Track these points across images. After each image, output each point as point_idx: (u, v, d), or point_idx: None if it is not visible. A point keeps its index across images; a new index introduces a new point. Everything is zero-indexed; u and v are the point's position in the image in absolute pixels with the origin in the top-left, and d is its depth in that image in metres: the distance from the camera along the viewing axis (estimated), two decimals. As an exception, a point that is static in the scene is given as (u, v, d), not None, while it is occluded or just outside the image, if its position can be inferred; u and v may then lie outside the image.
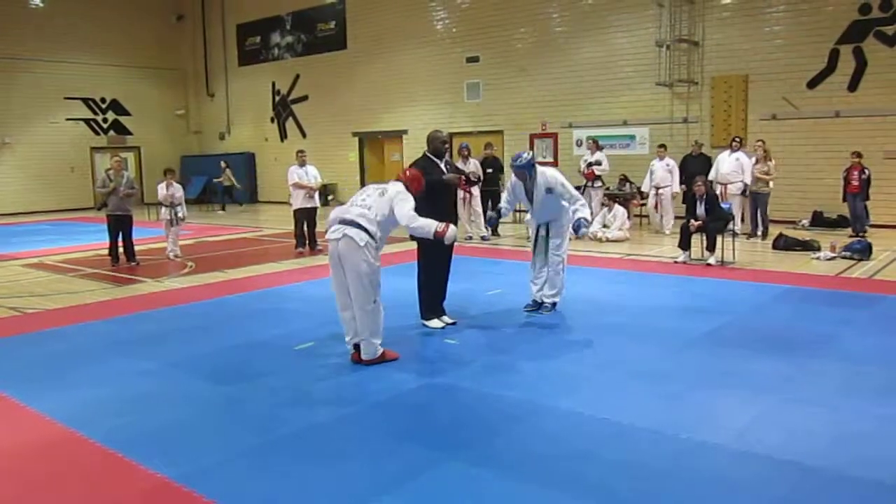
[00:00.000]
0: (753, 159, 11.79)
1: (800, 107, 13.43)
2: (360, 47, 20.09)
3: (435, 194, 5.89)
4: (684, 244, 9.39)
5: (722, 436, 3.83)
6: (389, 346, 5.34)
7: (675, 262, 9.41)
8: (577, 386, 4.71)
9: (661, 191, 12.64)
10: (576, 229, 6.48)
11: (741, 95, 13.98)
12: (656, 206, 12.82)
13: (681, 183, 12.72)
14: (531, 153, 6.73)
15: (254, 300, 7.74)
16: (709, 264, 9.14)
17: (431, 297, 6.29)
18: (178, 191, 10.98)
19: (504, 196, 6.92)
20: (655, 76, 14.73)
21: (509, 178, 6.83)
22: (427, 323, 6.25)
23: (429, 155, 6.21)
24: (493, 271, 9.05)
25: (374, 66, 19.78)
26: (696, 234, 9.33)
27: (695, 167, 12.26)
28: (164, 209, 10.91)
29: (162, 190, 10.90)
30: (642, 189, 13.24)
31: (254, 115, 23.39)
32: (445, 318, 6.31)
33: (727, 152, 12.08)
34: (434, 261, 6.18)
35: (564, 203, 6.51)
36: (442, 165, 6.19)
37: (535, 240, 6.75)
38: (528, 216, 6.88)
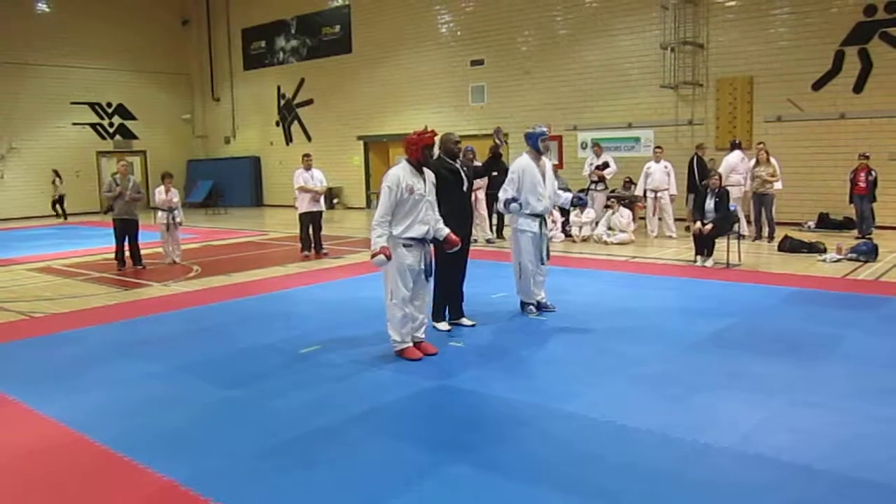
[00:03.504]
0: (753, 161, 11.74)
1: (805, 108, 13.41)
2: (365, 51, 20.15)
3: (449, 192, 5.91)
4: (700, 249, 9.40)
5: (727, 439, 3.82)
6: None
7: (695, 266, 9.37)
8: (582, 389, 4.70)
9: (659, 194, 12.51)
10: (578, 200, 7.45)
11: (746, 97, 13.97)
12: (654, 211, 12.59)
13: (689, 183, 12.65)
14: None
15: (259, 304, 7.76)
16: (704, 266, 9.17)
17: (444, 299, 6.31)
18: (175, 195, 11.05)
19: (509, 189, 6.65)
20: (660, 78, 14.73)
21: (513, 170, 6.70)
22: (436, 325, 6.26)
23: (443, 157, 6.20)
24: (498, 274, 9.03)
25: (379, 69, 19.83)
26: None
27: (703, 169, 12.22)
28: (161, 213, 10.97)
29: (161, 194, 10.95)
30: (636, 192, 13.07)
31: (259, 119, 23.47)
32: (464, 321, 6.41)
33: (737, 153, 11.99)
34: (449, 264, 6.18)
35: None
36: (457, 166, 6.20)
37: (535, 240, 6.71)
38: (522, 221, 6.69)
